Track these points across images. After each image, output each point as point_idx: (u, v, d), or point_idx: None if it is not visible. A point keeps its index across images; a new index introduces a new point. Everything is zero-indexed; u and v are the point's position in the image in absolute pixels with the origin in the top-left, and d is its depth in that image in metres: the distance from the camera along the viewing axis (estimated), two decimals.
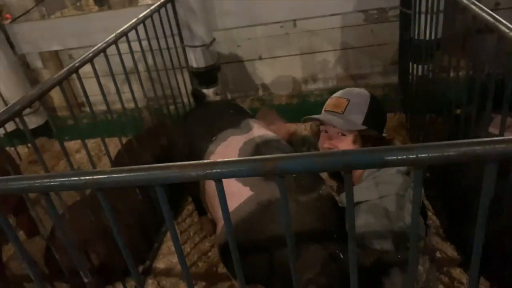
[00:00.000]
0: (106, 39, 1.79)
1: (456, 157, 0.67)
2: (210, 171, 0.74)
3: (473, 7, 1.41)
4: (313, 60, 3.02)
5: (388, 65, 2.97)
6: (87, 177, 0.77)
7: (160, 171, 0.75)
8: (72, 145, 3.31)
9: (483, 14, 1.33)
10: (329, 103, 1.59)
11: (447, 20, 2.12)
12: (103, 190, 0.81)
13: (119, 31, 1.90)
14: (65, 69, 1.50)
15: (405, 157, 0.68)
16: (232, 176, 0.74)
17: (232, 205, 1.30)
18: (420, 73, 2.53)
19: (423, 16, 2.35)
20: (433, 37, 2.29)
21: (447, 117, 2.05)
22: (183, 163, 0.75)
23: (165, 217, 0.84)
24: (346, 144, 1.50)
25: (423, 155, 0.67)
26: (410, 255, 0.81)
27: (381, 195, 1.34)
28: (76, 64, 1.55)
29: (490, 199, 0.73)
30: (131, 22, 2.01)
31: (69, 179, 0.77)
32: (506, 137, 0.66)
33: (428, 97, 2.34)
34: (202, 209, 2.13)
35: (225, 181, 0.78)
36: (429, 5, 2.17)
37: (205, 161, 0.75)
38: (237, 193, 1.45)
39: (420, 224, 1.33)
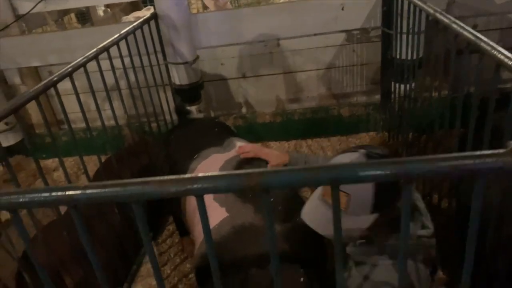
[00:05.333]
0: (87, 54, 1.75)
1: (447, 171, 0.65)
2: (191, 186, 0.70)
3: (455, 26, 1.43)
4: (296, 79, 3.03)
5: (370, 84, 3.00)
6: (58, 193, 0.72)
7: (137, 187, 0.70)
8: (50, 163, 3.21)
9: (465, 32, 1.34)
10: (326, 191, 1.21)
11: (428, 40, 2.16)
12: (76, 207, 0.76)
13: (100, 46, 1.86)
14: (42, 83, 1.45)
15: (395, 171, 0.65)
16: (215, 192, 0.71)
17: None
18: (402, 92, 2.56)
19: (404, 36, 2.39)
20: (414, 57, 2.32)
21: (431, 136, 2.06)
22: (162, 178, 0.70)
23: (142, 236, 0.79)
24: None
25: (413, 169, 0.65)
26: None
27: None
28: (54, 79, 1.50)
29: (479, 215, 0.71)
30: (113, 38, 1.98)
31: (39, 195, 0.72)
32: (497, 151, 0.65)
33: (411, 116, 2.35)
34: (183, 229, 2.07)
35: None
36: (410, 25, 2.20)
37: (186, 175, 0.71)
38: (213, 213, 1.41)
39: (423, 276, 1.19)
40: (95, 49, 1.81)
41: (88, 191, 0.71)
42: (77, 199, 0.72)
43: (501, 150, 0.65)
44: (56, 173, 3.12)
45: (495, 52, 1.14)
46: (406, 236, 0.74)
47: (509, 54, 1.10)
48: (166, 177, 0.71)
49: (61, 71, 1.56)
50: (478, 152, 0.65)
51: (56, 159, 3.29)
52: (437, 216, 1.84)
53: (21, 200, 0.73)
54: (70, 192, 0.72)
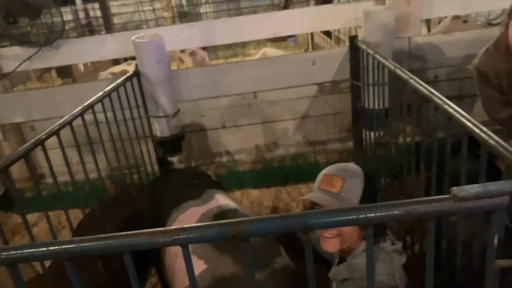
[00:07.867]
0: (73, 112, 1.84)
1: (401, 215, 0.75)
2: (177, 236, 0.78)
3: (412, 81, 1.60)
4: (274, 128, 3.17)
5: (343, 132, 3.17)
6: (56, 247, 0.78)
7: (129, 239, 0.78)
8: (30, 218, 3.18)
9: (421, 88, 1.50)
10: (323, 181, 1.43)
11: (392, 91, 2.34)
12: (72, 260, 0.82)
13: (85, 104, 1.95)
14: (31, 141, 1.52)
15: (355, 217, 0.75)
16: (200, 241, 0.79)
17: (186, 279, 1.31)
18: (373, 139, 2.72)
19: (371, 88, 2.58)
20: (381, 107, 2.50)
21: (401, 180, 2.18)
22: (152, 230, 0.78)
23: (133, 285, 0.85)
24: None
25: (371, 214, 0.75)
26: None
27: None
28: (42, 137, 1.58)
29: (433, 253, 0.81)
30: (97, 96, 2.08)
31: (37, 249, 0.79)
32: (442, 196, 0.76)
33: (382, 161, 2.50)
34: (166, 281, 2.08)
35: (180, 254, 0.82)
36: (375, 78, 2.39)
37: (173, 227, 0.79)
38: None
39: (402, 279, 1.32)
40: (80, 107, 1.90)
41: (83, 244, 0.78)
42: (73, 251, 0.79)
43: (445, 196, 0.76)
44: (35, 228, 3.10)
45: (446, 106, 1.29)
46: (371, 278, 0.83)
47: (457, 108, 1.25)
48: (155, 229, 0.79)
49: (48, 129, 1.64)
50: (426, 198, 0.76)
51: (36, 214, 3.29)
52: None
53: (20, 255, 0.79)
54: (67, 246, 0.79)
